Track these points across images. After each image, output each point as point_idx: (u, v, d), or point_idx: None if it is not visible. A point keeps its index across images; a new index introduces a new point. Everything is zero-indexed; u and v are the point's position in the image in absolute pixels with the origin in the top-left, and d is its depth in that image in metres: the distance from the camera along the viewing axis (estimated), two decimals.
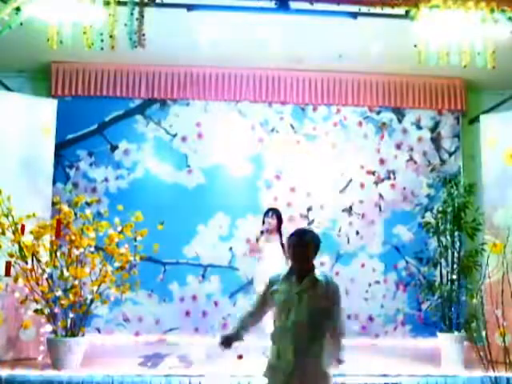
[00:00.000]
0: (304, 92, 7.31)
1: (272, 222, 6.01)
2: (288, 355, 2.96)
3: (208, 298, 7.02)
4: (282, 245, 5.98)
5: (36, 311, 5.22)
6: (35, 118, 5.84)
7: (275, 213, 6.08)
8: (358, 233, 7.27)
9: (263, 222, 6.07)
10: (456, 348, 5.24)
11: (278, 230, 6.05)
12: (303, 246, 3.14)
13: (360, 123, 7.42)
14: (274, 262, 5.93)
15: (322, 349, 3.01)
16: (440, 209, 5.70)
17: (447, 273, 5.52)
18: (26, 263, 5.19)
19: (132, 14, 4.63)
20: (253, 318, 3.25)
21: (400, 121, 7.48)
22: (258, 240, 5.98)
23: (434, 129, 7.51)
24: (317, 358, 2.99)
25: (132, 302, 6.88)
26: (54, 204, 5.69)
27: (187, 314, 6.99)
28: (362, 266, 7.22)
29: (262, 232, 5.98)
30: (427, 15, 4.80)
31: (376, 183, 7.37)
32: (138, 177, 7.17)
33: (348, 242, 7.25)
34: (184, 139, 7.26)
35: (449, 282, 5.47)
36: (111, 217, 5.59)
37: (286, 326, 3.01)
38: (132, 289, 5.59)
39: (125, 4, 4.65)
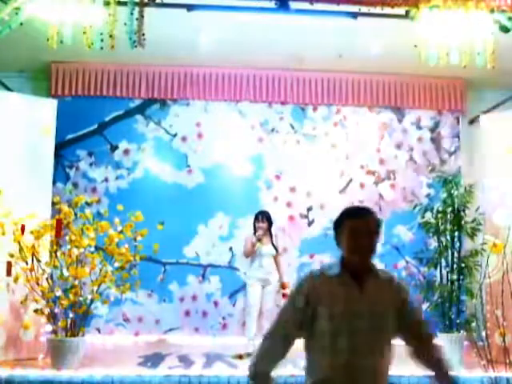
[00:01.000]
0: (304, 92, 7.31)
1: (263, 225, 6.01)
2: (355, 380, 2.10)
3: (208, 298, 7.03)
4: (273, 245, 6.01)
5: (36, 311, 5.22)
6: (35, 118, 5.84)
7: (265, 216, 6.08)
8: None
9: (254, 227, 6.05)
10: (456, 348, 5.23)
11: (269, 230, 6.07)
12: (372, 231, 2.20)
13: (360, 123, 7.42)
14: (267, 263, 5.97)
15: (389, 365, 2.19)
16: (440, 209, 5.69)
17: (447, 273, 5.51)
18: (26, 263, 5.19)
19: (132, 13, 4.64)
20: (283, 353, 2.18)
21: (400, 121, 7.48)
22: (254, 246, 5.96)
23: (434, 129, 7.51)
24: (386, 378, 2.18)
25: (132, 302, 6.88)
26: (53, 204, 5.69)
27: (187, 313, 6.99)
28: None
29: (259, 240, 5.94)
30: (427, 15, 4.80)
31: (376, 183, 7.37)
32: (138, 177, 7.17)
33: None
34: (184, 139, 7.26)
35: (449, 282, 5.46)
36: (111, 217, 5.58)
37: (346, 343, 2.09)
38: (132, 289, 5.58)
39: (125, 4, 4.65)
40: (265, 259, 5.97)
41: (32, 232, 5.21)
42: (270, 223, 6.11)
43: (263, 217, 6.06)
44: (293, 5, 5.04)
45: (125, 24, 4.61)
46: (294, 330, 2.18)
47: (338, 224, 2.24)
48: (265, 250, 5.97)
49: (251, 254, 6.00)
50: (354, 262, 2.20)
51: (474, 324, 5.22)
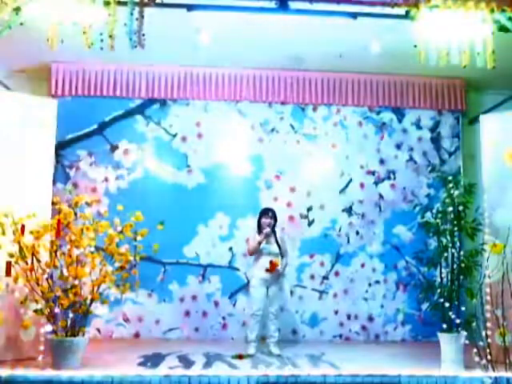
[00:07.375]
0: (304, 92, 7.32)
1: (271, 222, 6.01)
2: None
3: (208, 297, 7.03)
4: (278, 243, 5.99)
5: (36, 311, 5.21)
6: (35, 117, 5.83)
7: (273, 213, 6.08)
8: (358, 233, 7.27)
9: (258, 223, 6.06)
10: (456, 348, 5.23)
11: (273, 229, 6.06)
12: None
13: (360, 123, 7.43)
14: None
15: None
16: (440, 209, 5.69)
17: (447, 273, 5.50)
18: (26, 263, 5.18)
19: (132, 13, 4.64)
20: None
21: (400, 121, 7.49)
22: (260, 243, 5.94)
23: (434, 129, 7.53)
24: None
25: (132, 302, 6.89)
26: (53, 204, 5.68)
27: (187, 313, 6.99)
28: (362, 266, 7.23)
29: (268, 236, 5.93)
30: (427, 15, 4.80)
31: (376, 183, 7.38)
32: (138, 177, 7.17)
33: (348, 241, 7.25)
34: (184, 139, 7.26)
35: (449, 282, 5.46)
36: (111, 217, 5.58)
37: None
38: (132, 289, 5.58)
39: (125, 4, 4.66)
40: (270, 258, 5.93)
41: (32, 232, 5.21)
42: (276, 221, 6.10)
43: (271, 214, 6.06)
44: (293, 5, 5.05)
45: (125, 24, 4.61)
46: None
47: None
48: (271, 249, 5.95)
49: (256, 251, 5.98)
50: None
51: (474, 324, 5.21)
